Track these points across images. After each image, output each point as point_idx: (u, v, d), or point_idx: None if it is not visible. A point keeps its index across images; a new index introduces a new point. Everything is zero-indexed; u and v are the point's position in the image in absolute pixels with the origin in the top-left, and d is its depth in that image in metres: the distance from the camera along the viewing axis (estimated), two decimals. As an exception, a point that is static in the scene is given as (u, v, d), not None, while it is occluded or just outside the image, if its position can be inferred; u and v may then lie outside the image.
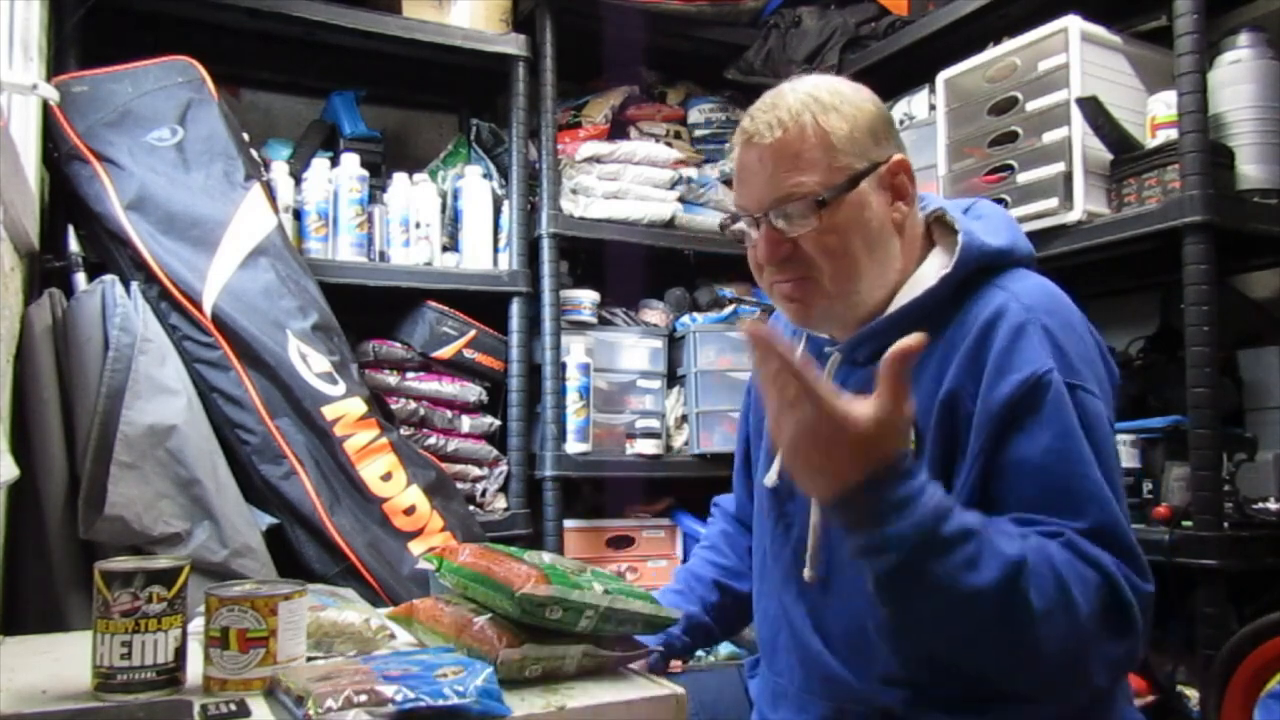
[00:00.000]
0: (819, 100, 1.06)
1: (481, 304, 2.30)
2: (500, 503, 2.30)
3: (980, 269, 1.05)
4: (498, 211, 2.39)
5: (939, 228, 1.13)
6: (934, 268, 1.08)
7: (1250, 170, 1.68)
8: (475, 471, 2.28)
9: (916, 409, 1.01)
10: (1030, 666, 0.89)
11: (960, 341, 1.01)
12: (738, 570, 1.36)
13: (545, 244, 2.34)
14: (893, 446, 0.85)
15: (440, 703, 0.81)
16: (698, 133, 2.65)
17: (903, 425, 0.86)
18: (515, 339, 2.33)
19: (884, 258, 1.07)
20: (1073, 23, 1.77)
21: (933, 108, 2.14)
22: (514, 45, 2.34)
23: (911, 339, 0.83)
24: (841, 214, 1.04)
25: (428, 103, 2.80)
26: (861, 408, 0.83)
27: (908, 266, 1.10)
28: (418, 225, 2.27)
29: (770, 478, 1.20)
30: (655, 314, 2.60)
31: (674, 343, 2.55)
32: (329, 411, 1.83)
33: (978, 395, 0.98)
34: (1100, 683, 0.92)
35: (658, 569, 2.38)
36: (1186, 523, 1.59)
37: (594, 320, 2.48)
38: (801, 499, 1.15)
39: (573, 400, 2.33)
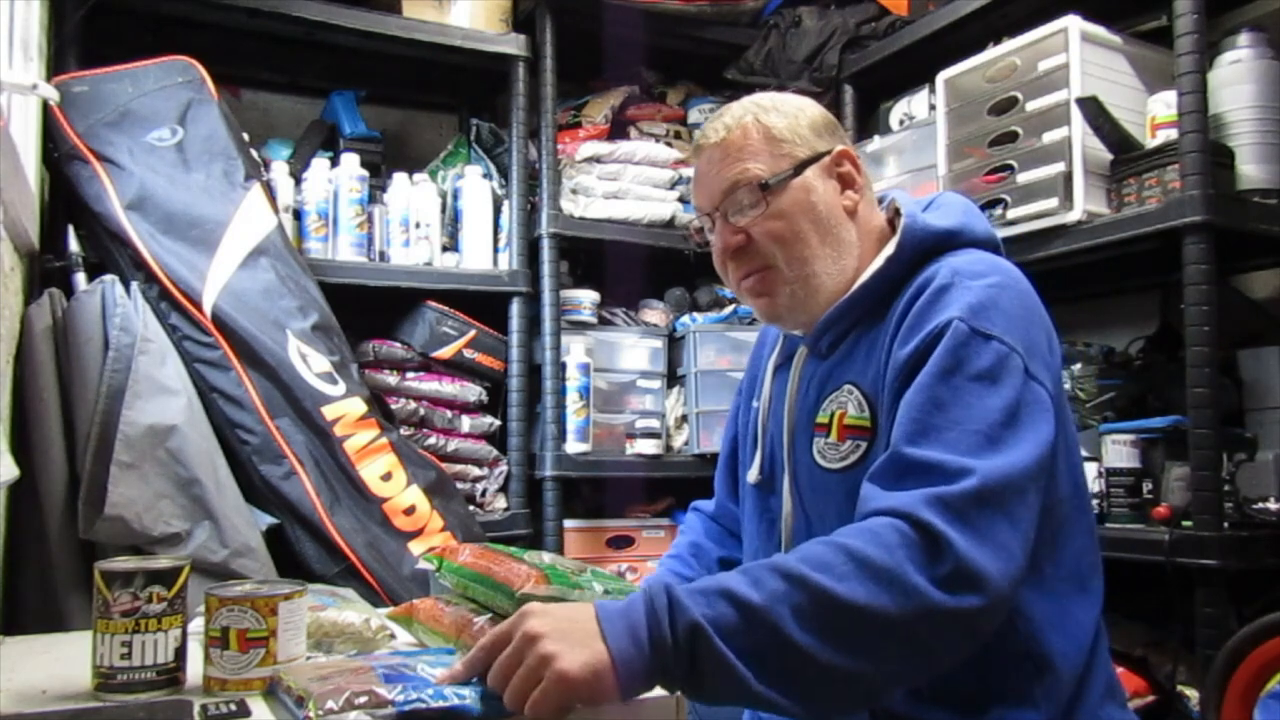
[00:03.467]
0: (760, 104, 1.15)
1: (481, 304, 2.30)
2: (500, 503, 2.30)
3: (928, 250, 1.07)
4: (498, 211, 2.39)
5: (899, 220, 1.15)
6: (885, 254, 1.10)
7: (1250, 170, 1.68)
8: (475, 471, 2.28)
9: (869, 387, 1.05)
10: (882, 634, 0.82)
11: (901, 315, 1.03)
12: None
13: (545, 244, 2.34)
14: (581, 612, 0.82)
15: (440, 703, 0.81)
16: (698, 133, 2.65)
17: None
18: (515, 339, 2.33)
19: (836, 242, 1.10)
20: (1073, 23, 1.77)
21: (933, 108, 2.14)
22: (514, 45, 2.34)
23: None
24: (787, 198, 1.09)
25: (428, 103, 2.80)
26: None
27: (866, 256, 1.12)
28: (418, 225, 2.27)
29: (753, 474, 1.21)
30: (655, 314, 2.60)
31: (674, 343, 2.55)
32: (329, 411, 1.83)
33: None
34: (963, 623, 0.83)
35: (658, 569, 2.38)
36: (1186, 523, 1.59)
37: (594, 320, 2.48)
38: (782, 493, 1.16)
39: (573, 400, 2.33)
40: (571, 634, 0.79)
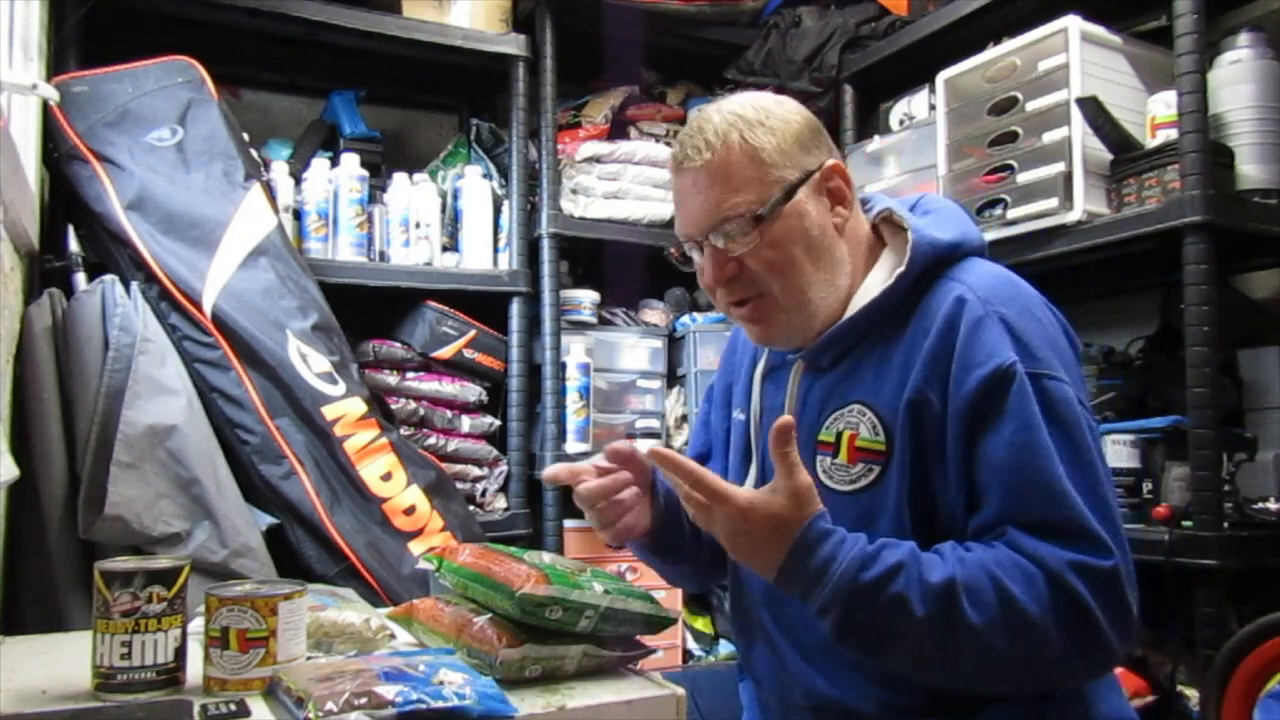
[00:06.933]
0: (744, 118, 1.06)
1: (481, 304, 2.30)
2: (500, 503, 2.30)
3: (933, 264, 1.06)
4: (498, 211, 2.39)
5: (887, 228, 1.13)
6: (887, 268, 1.08)
7: (1250, 170, 1.68)
8: (475, 471, 2.28)
9: (885, 409, 1.03)
10: (992, 674, 0.92)
11: (922, 339, 1.01)
12: None
13: (545, 244, 2.34)
14: (804, 515, 0.92)
15: (440, 704, 0.81)
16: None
17: (805, 492, 0.93)
18: (515, 339, 2.33)
19: (830, 263, 1.08)
20: (1073, 23, 1.77)
21: (933, 108, 2.14)
22: (514, 45, 2.34)
23: (786, 420, 0.92)
24: (780, 226, 1.05)
25: (428, 103, 2.80)
26: (763, 494, 0.93)
27: (857, 270, 1.10)
28: (418, 225, 2.27)
29: (747, 487, 1.19)
30: (655, 314, 2.60)
31: (674, 343, 2.55)
32: (329, 411, 1.83)
33: (946, 395, 0.99)
34: (1082, 677, 0.93)
35: (658, 569, 2.38)
36: (1186, 523, 1.59)
37: (594, 320, 2.48)
38: None
39: (573, 400, 2.34)
40: (761, 547, 0.94)
